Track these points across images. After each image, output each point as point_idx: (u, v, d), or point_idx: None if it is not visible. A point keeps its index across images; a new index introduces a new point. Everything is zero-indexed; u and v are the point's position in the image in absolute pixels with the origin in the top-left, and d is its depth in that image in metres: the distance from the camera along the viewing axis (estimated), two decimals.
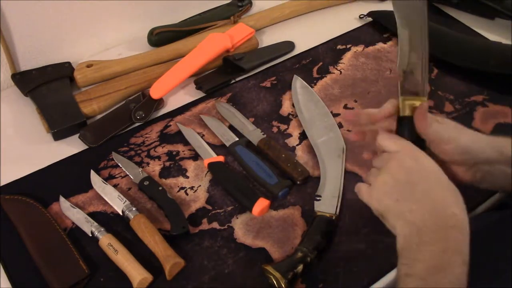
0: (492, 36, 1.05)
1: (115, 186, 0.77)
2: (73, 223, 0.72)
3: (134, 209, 0.72)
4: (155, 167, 0.80)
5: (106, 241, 0.68)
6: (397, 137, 0.61)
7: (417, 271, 0.52)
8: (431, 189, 0.56)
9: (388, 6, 1.12)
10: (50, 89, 0.88)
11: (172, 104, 0.91)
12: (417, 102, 0.61)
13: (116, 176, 0.78)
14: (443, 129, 0.62)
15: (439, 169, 0.57)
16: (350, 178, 0.78)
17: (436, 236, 0.53)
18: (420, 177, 0.57)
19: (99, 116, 0.87)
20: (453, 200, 0.55)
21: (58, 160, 0.80)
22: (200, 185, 0.78)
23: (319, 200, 0.74)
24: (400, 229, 0.56)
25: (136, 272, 0.64)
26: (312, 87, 0.93)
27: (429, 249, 0.53)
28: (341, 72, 0.97)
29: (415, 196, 0.56)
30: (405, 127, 0.61)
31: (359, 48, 1.02)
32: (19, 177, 0.78)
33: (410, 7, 0.61)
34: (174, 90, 0.91)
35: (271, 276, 0.64)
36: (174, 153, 0.82)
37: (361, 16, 1.09)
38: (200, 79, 0.94)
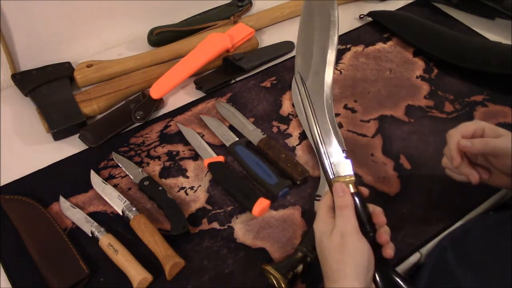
0: (492, 36, 1.05)
1: (115, 186, 0.77)
2: (73, 223, 0.72)
3: (134, 209, 0.72)
4: (155, 167, 0.80)
5: (106, 241, 0.68)
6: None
7: None
8: (322, 265, 0.59)
9: (388, 6, 1.13)
10: (50, 89, 0.88)
11: (172, 104, 0.91)
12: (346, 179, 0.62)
13: (116, 176, 0.78)
14: (502, 144, 0.63)
15: (322, 242, 0.58)
16: None
17: None
18: (321, 257, 0.59)
19: (99, 116, 0.87)
20: (327, 272, 0.58)
21: (58, 160, 0.80)
22: (200, 185, 0.78)
23: (319, 200, 0.74)
24: None
25: (136, 272, 0.64)
26: None
27: None
28: (341, 72, 0.97)
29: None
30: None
31: (359, 48, 1.02)
32: (19, 177, 0.78)
33: None
34: (174, 90, 0.91)
35: (271, 276, 0.64)
36: (174, 153, 0.82)
37: (361, 16, 1.09)
38: (200, 79, 0.94)
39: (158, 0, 1.00)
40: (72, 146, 0.83)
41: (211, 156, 0.80)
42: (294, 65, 0.98)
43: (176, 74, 0.90)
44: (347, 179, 0.61)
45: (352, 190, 0.60)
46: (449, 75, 0.97)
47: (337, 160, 0.62)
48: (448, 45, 0.98)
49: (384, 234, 0.59)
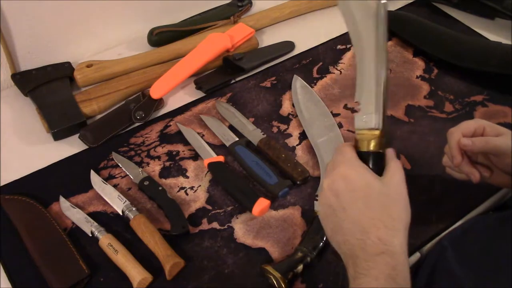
0: (492, 36, 1.05)
1: (115, 186, 0.77)
2: (73, 223, 0.72)
3: (134, 209, 0.72)
4: (155, 167, 0.80)
5: (106, 241, 0.68)
6: (337, 156, 0.57)
7: None
8: (360, 214, 0.53)
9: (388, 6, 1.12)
10: (50, 89, 0.88)
11: (172, 104, 0.91)
12: (371, 135, 0.56)
13: (116, 176, 0.78)
14: (503, 143, 0.63)
15: (371, 184, 0.53)
16: None
17: (367, 265, 0.51)
18: (349, 200, 0.54)
19: (99, 116, 0.87)
20: (382, 220, 0.52)
21: (58, 160, 0.80)
22: (200, 185, 0.78)
23: (319, 200, 0.74)
24: (342, 259, 0.55)
25: (136, 272, 0.64)
26: (312, 87, 0.93)
27: (364, 280, 0.51)
28: (341, 72, 0.97)
29: (345, 225, 0.53)
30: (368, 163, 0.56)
31: None
32: (19, 177, 0.78)
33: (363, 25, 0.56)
34: (174, 90, 0.91)
35: (271, 276, 0.64)
36: (174, 153, 0.82)
37: None
38: (200, 79, 0.94)
39: (158, 0, 1.00)
40: (72, 146, 0.83)
41: (211, 156, 0.80)
42: (294, 65, 0.98)
43: (176, 74, 0.90)
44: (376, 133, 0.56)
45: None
46: (449, 75, 0.97)
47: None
48: (448, 45, 0.98)
49: None
